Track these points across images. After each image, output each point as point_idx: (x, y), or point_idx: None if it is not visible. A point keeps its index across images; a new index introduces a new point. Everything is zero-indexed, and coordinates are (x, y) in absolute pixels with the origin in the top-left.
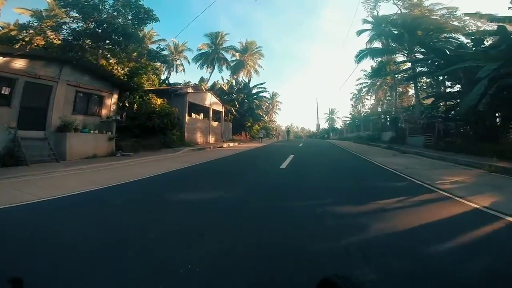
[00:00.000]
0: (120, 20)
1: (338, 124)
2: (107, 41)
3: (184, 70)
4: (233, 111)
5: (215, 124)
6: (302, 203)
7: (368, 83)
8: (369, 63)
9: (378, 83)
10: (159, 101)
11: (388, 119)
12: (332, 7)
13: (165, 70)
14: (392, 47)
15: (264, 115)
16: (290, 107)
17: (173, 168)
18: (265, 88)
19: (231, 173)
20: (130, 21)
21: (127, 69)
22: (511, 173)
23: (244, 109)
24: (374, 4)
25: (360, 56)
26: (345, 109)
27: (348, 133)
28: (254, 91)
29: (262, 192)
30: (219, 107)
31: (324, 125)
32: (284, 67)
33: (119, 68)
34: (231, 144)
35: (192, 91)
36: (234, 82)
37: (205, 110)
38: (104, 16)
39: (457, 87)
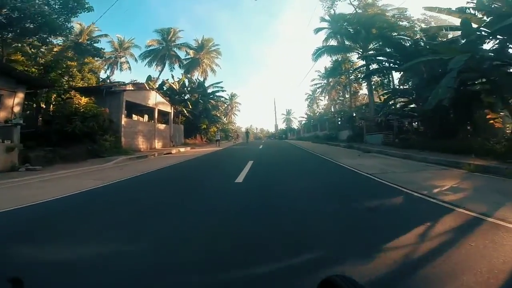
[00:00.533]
0: (45, 8)
1: (295, 125)
2: (17, 31)
3: (130, 68)
4: (185, 112)
5: (162, 127)
6: (269, 262)
7: (322, 84)
8: (323, 64)
9: (332, 84)
10: (83, 100)
11: (343, 118)
12: (292, 10)
13: (107, 68)
14: (347, 45)
15: (223, 117)
16: (250, 109)
17: (79, 190)
18: (222, 88)
19: (161, 195)
20: (57, 10)
21: (42, 61)
22: (494, 173)
23: (199, 110)
24: (331, 3)
25: (317, 54)
26: (301, 110)
27: (305, 133)
28: (210, 90)
29: (196, 242)
30: (167, 108)
31: (282, 125)
32: (243, 69)
33: (32, 62)
34: (182, 149)
35: (132, 88)
36: (186, 80)
37: (149, 111)
38: (18, 4)
39: (410, 85)
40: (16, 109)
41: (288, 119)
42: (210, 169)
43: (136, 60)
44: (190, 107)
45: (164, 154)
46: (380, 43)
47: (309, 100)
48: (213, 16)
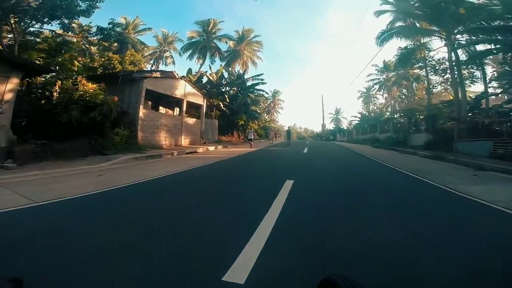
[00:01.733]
0: None
1: (344, 125)
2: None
3: (174, 62)
4: (221, 106)
5: (191, 121)
6: None
7: (381, 79)
8: (381, 58)
9: (393, 79)
10: (90, 86)
11: (414, 119)
12: (337, 7)
13: (153, 62)
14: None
15: (264, 114)
16: (294, 107)
17: None
18: (262, 80)
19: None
20: None
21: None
22: None
23: (237, 105)
24: None
25: (383, 38)
26: (351, 109)
27: (358, 135)
28: (249, 83)
29: None
30: (199, 100)
31: (329, 125)
32: (286, 67)
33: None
34: (212, 148)
35: (156, 75)
36: (225, 72)
37: (177, 102)
38: None
39: None
40: (8, 96)
41: (336, 118)
42: (216, 193)
43: (180, 54)
44: (227, 100)
45: (187, 153)
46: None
47: (362, 98)
48: (254, 14)
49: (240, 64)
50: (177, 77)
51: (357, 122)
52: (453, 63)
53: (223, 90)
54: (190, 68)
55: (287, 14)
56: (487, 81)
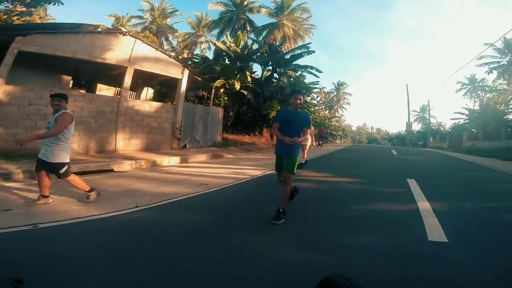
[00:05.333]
0: None
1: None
2: None
3: (210, 48)
4: (238, 87)
5: (148, 106)
6: None
7: (502, 63)
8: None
9: None
10: None
11: None
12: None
13: (186, 49)
14: None
15: (323, 108)
16: (363, 106)
17: None
18: (308, 49)
19: None
20: None
21: None
22: None
23: (271, 89)
24: None
25: None
26: (442, 107)
27: (473, 140)
28: (289, 57)
29: None
30: (170, 71)
31: (415, 126)
32: (354, 64)
33: None
34: (175, 164)
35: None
36: (250, 42)
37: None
38: None
39: None
40: None
41: (422, 117)
42: None
43: (217, 38)
44: (249, 81)
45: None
46: None
47: (465, 91)
48: (313, 10)
49: (280, 38)
50: (114, 31)
51: (464, 121)
52: None
53: (244, 65)
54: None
55: (349, 10)
56: None
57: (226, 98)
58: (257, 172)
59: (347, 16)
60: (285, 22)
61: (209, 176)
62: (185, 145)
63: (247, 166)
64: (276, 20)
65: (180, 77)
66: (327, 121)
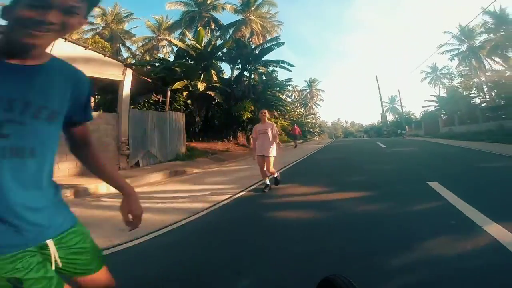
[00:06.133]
0: None
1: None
2: None
3: (173, 51)
4: (201, 88)
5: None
6: None
7: (462, 50)
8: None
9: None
10: None
11: None
12: None
13: (147, 54)
14: None
15: (298, 106)
16: (334, 102)
17: None
18: (278, 41)
19: None
20: None
21: None
22: None
23: (242, 88)
24: None
25: None
26: (406, 97)
27: (448, 125)
28: (258, 52)
29: None
30: (112, 72)
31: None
32: (322, 62)
33: None
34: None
35: None
36: (212, 37)
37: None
38: None
39: None
40: None
41: (393, 108)
42: None
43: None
44: (216, 80)
45: None
46: None
47: (429, 78)
48: (281, 11)
49: (248, 35)
50: None
51: (435, 108)
52: None
53: (208, 64)
54: None
55: (315, 9)
56: None
57: (190, 101)
58: (221, 197)
59: (313, 15)
60: (253, 17)
61: (149, 210)
62: (138, 162)
63: (213, 185)
64: (243, 17)
65: (121, 79)
66: (303, 119)
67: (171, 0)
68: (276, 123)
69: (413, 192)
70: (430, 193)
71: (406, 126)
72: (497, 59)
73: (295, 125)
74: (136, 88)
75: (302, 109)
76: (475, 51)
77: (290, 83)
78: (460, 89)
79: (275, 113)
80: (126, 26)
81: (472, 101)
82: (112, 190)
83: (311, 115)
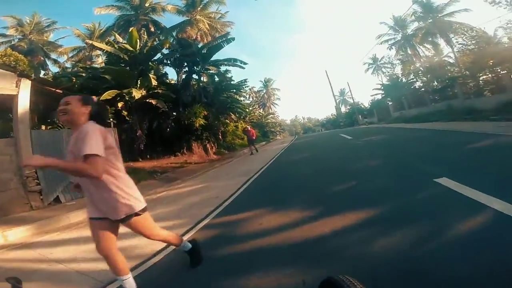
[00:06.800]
0: None
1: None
2: None
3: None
4: (137, 97)
5: None
6: None
7: (398, 38)
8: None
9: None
10: None
11: None
12: None
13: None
14: None
15: (256, 107)
16: (291, 100)
17: None
18: (228, 36)
19: None
20: None
21: None
22: None
23: (192, 93)
24: None
25: None
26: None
27: (399, 110)
28: (206, 51)
29: None
30: (1, 84)
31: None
32: (275, 62)
33: None
34: None
35: None
36: (149, 39)
37: None
38: None
39: None
40: None
41: (343, 100)
42: None
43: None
44: (156, 85)
45: None
46: None
47: (372, 68)
48: (231, 14)
49: (194, 35)
50: None
51: (382, 96)
52: None
53: (145, 68)
54: None
55: (263, 12)
56: None
57: (126, 113)
58: (153, 248)
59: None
60: (199, 17)
61: (36, 276)
62: (58, 197)
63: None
64: (188, 18)
65: (14, 93)
66: (264, 120)
67: (100, 5)
68: (236, 126)
69: (431, 201)
70: (454, 198)
71: (360, 116)
72: (428, 46)
73: (249, 127)
74: (45, 103)
75: (261, 109)
76: (408, 39)
77: (246, 84)
78: (400, 76)
79: (233, 116)
80: (52, 36)
81: (413, 86)
82: (11, 238)
83: (271, 115)
